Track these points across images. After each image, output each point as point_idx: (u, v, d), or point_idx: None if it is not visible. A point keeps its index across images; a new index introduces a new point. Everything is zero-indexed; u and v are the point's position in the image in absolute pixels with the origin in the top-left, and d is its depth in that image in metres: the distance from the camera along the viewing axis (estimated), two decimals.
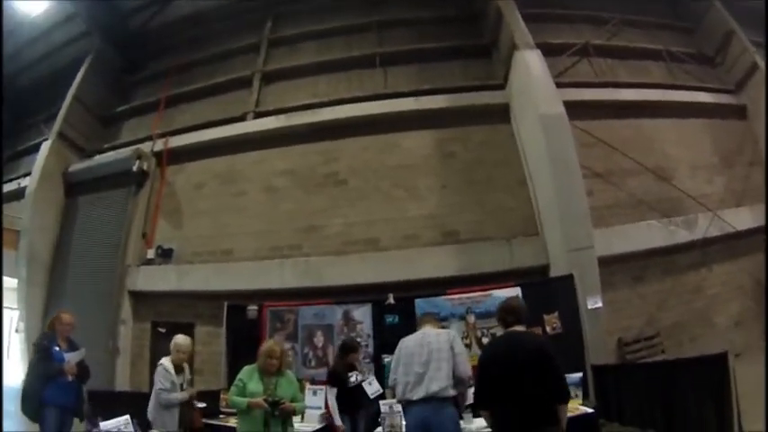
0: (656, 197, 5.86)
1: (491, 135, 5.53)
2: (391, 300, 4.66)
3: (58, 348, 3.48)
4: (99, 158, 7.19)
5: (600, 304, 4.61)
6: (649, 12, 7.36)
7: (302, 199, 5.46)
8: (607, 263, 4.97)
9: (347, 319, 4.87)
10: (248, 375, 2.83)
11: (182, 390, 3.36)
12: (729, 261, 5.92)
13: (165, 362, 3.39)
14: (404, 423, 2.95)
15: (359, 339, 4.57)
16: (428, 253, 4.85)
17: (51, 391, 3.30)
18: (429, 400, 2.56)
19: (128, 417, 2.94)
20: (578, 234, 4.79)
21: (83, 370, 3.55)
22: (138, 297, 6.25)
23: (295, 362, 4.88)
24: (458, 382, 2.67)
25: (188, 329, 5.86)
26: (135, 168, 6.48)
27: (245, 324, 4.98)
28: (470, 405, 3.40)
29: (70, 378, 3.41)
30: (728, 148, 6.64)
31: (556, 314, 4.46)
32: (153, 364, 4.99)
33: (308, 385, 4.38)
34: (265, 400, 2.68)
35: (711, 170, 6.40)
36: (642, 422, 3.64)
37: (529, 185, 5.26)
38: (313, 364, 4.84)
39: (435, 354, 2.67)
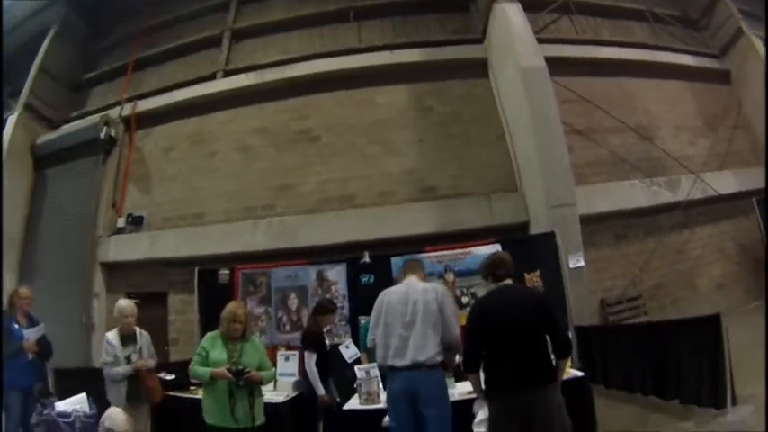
0: (638, 156, 5.74)
1: (468, 89, 5.32)
2: (366, 258, 4.43)
3: (17, 326, 3.23)
4: (66, 128, 6.83)
5: (582, 263, 4.48)
6: None
7: (275, 157, 5.21)
8: (588, 221, 4.85)
9: (321, 279, 4.64)
10: (211, 343, 2.60)
11: (130, 362, 2.99)
12: (711, 224, 5.87)
13: (110, 334, 3.07)
14: (381, 388, 2.70)
15: (335, 300, 4.35)
16: (405, 209, 4.65)
17: (11, 372, 3.00)
18: (415, 367, 2.30)
19: (83, 395, 2.69)
20: (560, 190, 4.63)
21: (44, 347, 3.29)
22: (111, 268, 6.00)
23: (269, 326, 4.68)
24: (446, 348, 2.38)
25: (161, 298, 5.66)
26: (102, 135, 6.15)
27: (217, 289, 4.72)
28: (456, 369, 3.15)
29: (30, 356, 3.15)
30: (712, 112, 6.54)
31: (537, 273, 4.25)
32: None
33: (280, 351, 4.16)
34: (229, 370, 2.45)
35: (695, 132, 6.29)
36: (630, 386, 3.53)
37: (507, 141, 5.08)
38: (287, 328, 4.62)
39: (422, 315, 2.35)
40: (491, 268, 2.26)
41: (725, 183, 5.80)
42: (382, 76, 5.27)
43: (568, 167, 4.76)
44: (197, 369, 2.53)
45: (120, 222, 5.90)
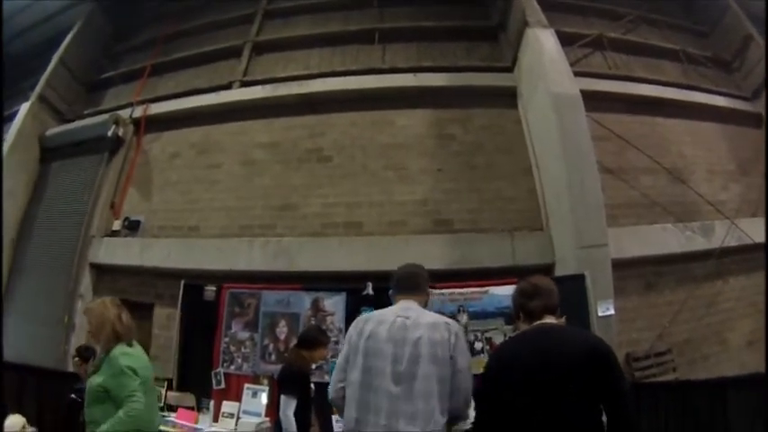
0: (670, 200, 5.12)
1: (494, 119, 4.77)
2: (370, 290, 3.82)
3: None
4: (76, 123, 6.45)
5: (612, 311, 3.87)
6: (665, 11, 6.70)
7: (281, 174, 4.68)
8: (617, 266, 4.23)
9: (317, 308, 4.04)
10: None
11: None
12: (744, 275, 5.17)
13: None
14: None
15: (329, 333, 3.67)
16: (416, 241, 4.05)
17: None
18: None
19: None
20: (591, 229, 4.04)
21: None
22: (100, 270, 5.47)
23: (253, 353, 4.08)
24: (454, 416, 1.53)
25: (147, 310, 5.07)
26: (110, 134, 5.72)
27: (201, 307, 4.21)
28: None
29: None
30: (744, 156, 5.94)
31: (563, 319, 3.65)
32: None
33: (246, 385, 3.65)
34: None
35: (727, 176, 5.68)
36: None
37: (534, 174, 4.50)
38: (273, 358, 4.03)
39: (426, 365, 1.49)
40: (522, 299, 1.52)
41: (758, 230, 5.13)
42: (403, 99, 4.77)
43: (601, 203, 4.17)
44: None
45: (117, 225, 5.40)
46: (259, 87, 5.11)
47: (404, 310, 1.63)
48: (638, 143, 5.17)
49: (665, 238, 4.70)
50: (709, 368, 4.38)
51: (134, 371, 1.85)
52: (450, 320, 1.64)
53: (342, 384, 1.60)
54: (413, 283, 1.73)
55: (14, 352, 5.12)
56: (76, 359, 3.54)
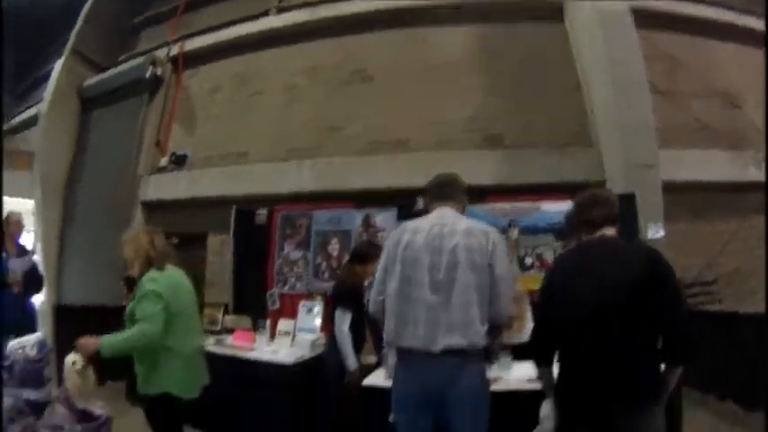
0: (722, 126, 4.85)
1: (541, 35, 4.57)
2: (421, 205, 3.85)
3: (5, 255, 2.83)
4: (113, 71, 6.50)
5: (662, 233, 3.81)
6: None
7: (324, 98, 4.64)
8: (667, 190, 4.11)
9: (368, 225, 4.08)
10: None
11: None
12: None
13: None
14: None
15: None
16: (465, 156, 4.01)
17: None
18: (447, 356, 1.42)
19: (39, 335, 2.20)
20: (641, 149, 3.93)
21: (32, 280, 2.91)
22: (150, 208, 5.65)
23: (306, 273, 4.17)
24: (494, 326, 1.49)
25: (201, 239, 5.27)
26: (148, 75, 5.76)
27: (253, 230, 4.30)
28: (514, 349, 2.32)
29: (16, 290, 2.78)
30: None
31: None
32: None
33: (301, 302, 3.65)
34: None
35: None
36: (704, 384, 2.86)
37: (584, 91, 4.34)
38: (326, 275, 4.10)
39: (464, 272, 1.43)
40: (581, 210, 1.43)
41: None
42: (449, 16, 4.58)
43: (651, 124, 4.04)
44: None
45: (164, 161, 5.53)
46: (296, 12, 4.99)
47: (439, 218, 1.58)
48: (690, 65, 4.91)
49: (716, 166, 4.51)
50: (756, 303, 4.11)
51: (158, 294, 1.85)
52: (488, 227, 1.57)
53: (381, 297, 1.59)
54: (447, 190, 1.68)
55: (75, 297, 5.44)
56: (124, 288, 3.66)
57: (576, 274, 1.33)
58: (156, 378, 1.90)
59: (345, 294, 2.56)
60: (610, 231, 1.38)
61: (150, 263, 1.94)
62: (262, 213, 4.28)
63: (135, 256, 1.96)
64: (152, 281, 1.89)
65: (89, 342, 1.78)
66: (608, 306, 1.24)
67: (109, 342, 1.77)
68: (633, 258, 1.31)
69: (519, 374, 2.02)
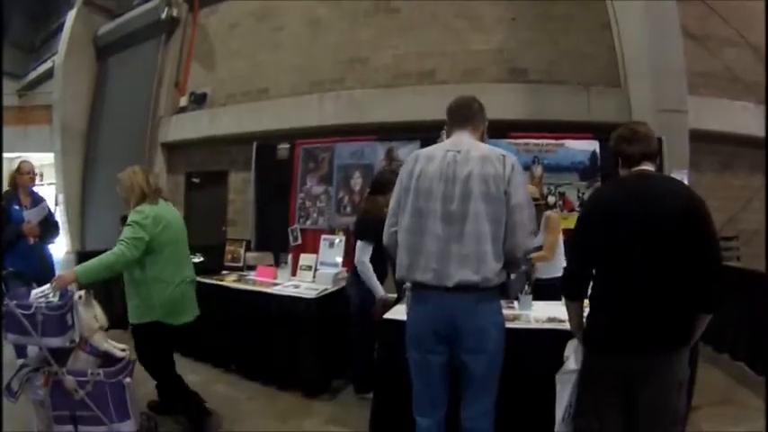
0: (754, 78, 4.62)
1: None
2: (443, 137, 3.80)
3: (18, 207, 2.75)
4: (127, 15, 6.36)
5: (686, 181, 3.71)
6: None
7: (347, 29, 4.51)
8: (694, 138, 3.95)
9: (390, 158, 4.03)
10: None
11: None
12: None
13: None
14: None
15: None
16: (491, 89, 3.91)
17: (12, 259, 2.54)
18: (460, 291, 1.34)
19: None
20: (670, 94, 3.77)
21: (48, 228, 2.84)
22: (171, 148, 5.70)
23: (328, 207, 4.19)
24: (510, 260, 1.39)
25: (222, 177, 5.33)
26: (163, 16, 5.64)
27: (275, 166, 4.29)
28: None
29: (32, 240, 2.72)
30: None
31: None
32: (188, 217, 4.45)
33: (323, 236, 3.57)
34: None
35: None
36: (718, 342, 2.79)
37: (613, 30, 4.14)
38: (348, 210, 4.12)
39: (478, 202, 1.33)
40: (620, 144, 1.37)
41: None
42: None
43: (682, 69, 3.85)
44: None
45: (183, 101, 5.51)
46: None
47: (455, 144, 1.44)
48: (724, 13, 4.62)
49: (745, 118, 4.32)
50: None
51: (140, 224, 1.88)
52: (504, 153, 1.42)
53: (394, 229, 1.46)
54: (465, 112, 1.52)
55: (98, 243, 5.50)
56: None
57: (616, 207, 1.30)
58: (145, 308, 1.95)
59: (367, 225, 2.46)
60: (648, 166, 1.35)
61: (144, 198, 1.99)
62: (284, 147, 4.27)
63: (129, 192, 2.01)
64: (138, 212, 1.93)
65: (64, 274, 1.80)
66: (648, 240, 1.23)
67: (84, 268, 1.80)
68: (674, 195, 1.28)
69: (540, 314, 1.94)
